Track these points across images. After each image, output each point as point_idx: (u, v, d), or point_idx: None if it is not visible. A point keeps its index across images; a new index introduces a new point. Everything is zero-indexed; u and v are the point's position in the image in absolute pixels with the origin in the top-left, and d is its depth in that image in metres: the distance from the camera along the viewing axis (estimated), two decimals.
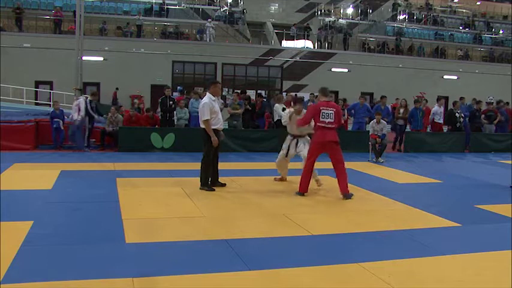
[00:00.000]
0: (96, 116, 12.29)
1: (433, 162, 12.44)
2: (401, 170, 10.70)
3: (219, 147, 7.72)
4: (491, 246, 5.09)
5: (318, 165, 7.64)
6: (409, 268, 4.40)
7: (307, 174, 7.42)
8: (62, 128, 12.23)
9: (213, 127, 7.52)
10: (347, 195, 7.19)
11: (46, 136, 12.23)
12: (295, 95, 17.06)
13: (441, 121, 14.81)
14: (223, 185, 7.86)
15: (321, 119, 7.16)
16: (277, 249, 4.84)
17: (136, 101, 20.80)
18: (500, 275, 4.28)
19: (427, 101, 16.11)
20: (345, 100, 15.96)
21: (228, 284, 3.93)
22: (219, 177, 7.92)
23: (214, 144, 7.49)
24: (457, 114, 14.60)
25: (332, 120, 7.21)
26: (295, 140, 8.11)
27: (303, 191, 7.39)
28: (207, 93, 7.75)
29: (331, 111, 7.22)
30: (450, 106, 16.60)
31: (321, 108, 7.22)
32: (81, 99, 12.14)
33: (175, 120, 13.18)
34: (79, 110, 11.90)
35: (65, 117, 12.58)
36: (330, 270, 4.28)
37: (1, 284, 3.68)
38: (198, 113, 13.48)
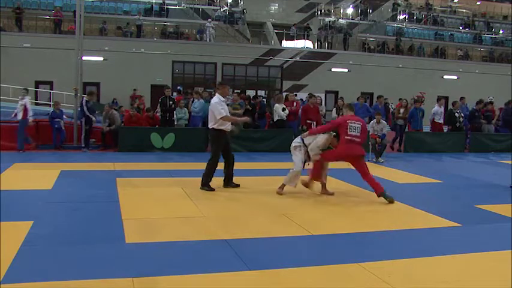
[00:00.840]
0: (94, 118, 12.19)
1: (433, 162, 12.43)
2: (401, 170, 10.69)
3: (229, 147, 7.78)
4: (491, 246, 5.09)
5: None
6: (409, 268, 4.40)
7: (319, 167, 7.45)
8: (63, 128, 12.24)
9: (221, 127, 7.54)
10: (382, 194, 7.06)
11: (46, 136, 12.24)
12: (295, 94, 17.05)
13: (441, 121, 14.79)
14: (237, 185, 7.86)
15: (349, 132, 7.12)
16: (277, 249, 4.84)
17: (136, 101, 20.78)
18: (500, 275, 4.28)
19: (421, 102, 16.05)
20: (341, 99, 15.92)
21: (228, 284, 3.93)
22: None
23: (247, 120, 7.93)
24: (456, 114, 14.61)
25: (359, 134, 7.16)
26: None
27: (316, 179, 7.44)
28: (217, 94, 7.79)
29: (358, 125, 7.19)
30: (450, 106, 16.55)
31: (348, 121, 7.16)
32: (26, 99, 11.88)
33: (175, 120, 13.18)
34: (25, 109, 11.59)
35: (65, 117, 12.60)
36: (330, 270, 4.28)
37: (1, 284, 3.68)
38: (198, 113, 13.53)
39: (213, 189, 7.55)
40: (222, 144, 7.65)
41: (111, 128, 12.45)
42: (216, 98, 7.62)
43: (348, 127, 7.12)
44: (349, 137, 7.10)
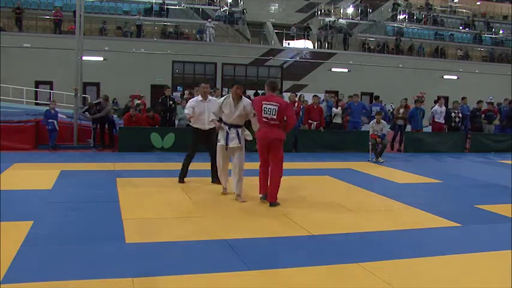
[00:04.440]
0: (102, 113, 12.33)
1: (433, 162, 12.43)
2: (401, 170, 10.69)
3: (210, 145, 7.77)
4: (491, 246, 5.09)
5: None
6: (409, 268, 4.40)
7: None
8: (57, 128, 12.18)
9: (194, 125, 7.87)
10: (273, 204, 6.57)
11: (46, 136, 12.22)
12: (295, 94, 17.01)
13: (441, 120, 14.75)
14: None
15: (263, 115, 6.49)
16: (277, 249, 4.84)
17: (136, 101, 20.72)
18: (500, 275, 4.28)
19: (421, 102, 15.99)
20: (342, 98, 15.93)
21: (228, 284, 3.93)
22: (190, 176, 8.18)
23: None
24: (453, 114, 14.59)
25: (275, 117, 6.42)
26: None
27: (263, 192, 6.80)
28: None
29: (274, 106, 6.41)
30: (450, 106, 16.52)
31: (263, 102, 6.50)
32: None
33: (177, 120, 13.17)
34: None
35: (64, 116, 12.63)
36: (330, 270, 4.28)
37: (1, 284, 3.68)
38: None
39: (183, 182, 7.91)
40: (195, 141, 7.92)
41: (96, 116, 12.38)
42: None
43: (262, 109, 6.46)
44: (264, 119, 6.47)
